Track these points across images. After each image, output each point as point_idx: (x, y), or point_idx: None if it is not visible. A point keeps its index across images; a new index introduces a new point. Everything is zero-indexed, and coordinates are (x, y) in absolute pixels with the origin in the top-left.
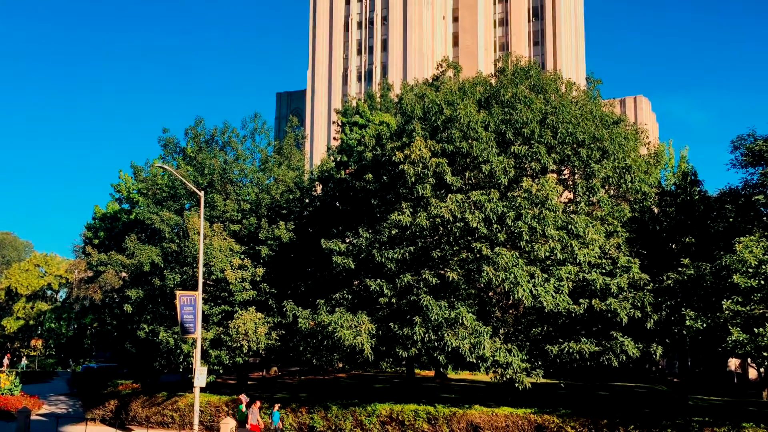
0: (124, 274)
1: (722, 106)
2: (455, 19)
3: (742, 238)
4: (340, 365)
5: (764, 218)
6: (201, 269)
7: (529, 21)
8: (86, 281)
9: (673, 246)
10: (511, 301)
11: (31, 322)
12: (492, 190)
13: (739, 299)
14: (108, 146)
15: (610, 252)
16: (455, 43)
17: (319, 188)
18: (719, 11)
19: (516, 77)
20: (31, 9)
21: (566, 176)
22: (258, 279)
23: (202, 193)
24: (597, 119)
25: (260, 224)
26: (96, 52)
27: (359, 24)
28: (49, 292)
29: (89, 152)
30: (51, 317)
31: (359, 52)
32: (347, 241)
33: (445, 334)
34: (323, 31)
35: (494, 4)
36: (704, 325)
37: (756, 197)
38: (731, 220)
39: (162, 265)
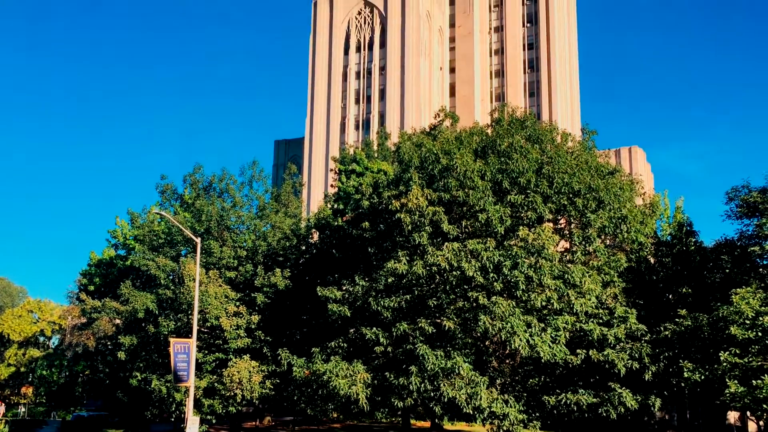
0: (118, 320)
1: (716, 157)
2: (452, 70)
3: (738, 289)
4: (335, 415)
5: (760, 269)
6: (196, 316)
7: (524, 72)
8: (79, 328)
9: (670, 296)
10: (508, 351)
11: (23, 369)
12: (488, 238)
13: (737, 351)
14: (106, 193)
15: (607, 302)
16: (452, 94)
17: (315, 235)
18: (711, 63)
19: (512, 127)
20: (33, 51)
21: (562, 226)
22: (253, 326)
23: (198, 240)
24: (592, 169)
25: (256, 271)
26: (96, 97)
27: (357, 74)
28: (41, 339)
29: (86, 198)
30: (43, 364)
31: (357, 101)
32: (343, 288)
33: (442, 384)
34: (322, 80)
35: (490, 56)
36: (702, 377)
37: (752, 248)
38: (727, 271)
39: (156, 312)
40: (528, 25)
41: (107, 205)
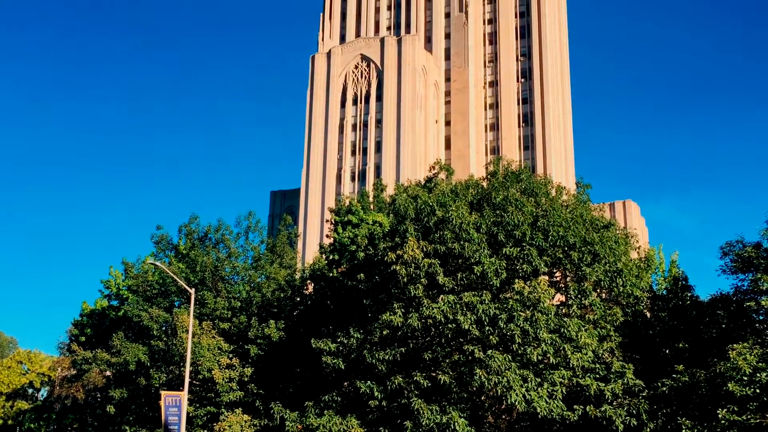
0: (108, 372)
1: (709, 212)
2: (447, 123)
3: (735, 345)
4: None
5: (757, 325)
6: (188, 368)
7: (519, 126)
8: (69, 380)
9: (667, 351)
10: (504, 406)
11: (10, 422)
12: (484, 291)
13: (735, 408)
14: (101, 243)
15: (603, 356)
16: (447, 147)
17: (310, 287)
18: (703, 120)
19: (507, 180)
20: (27, 92)
21: (558, 279)
22: (246, 379)
23: (192, 291)
24: (587, 223)
25: (250, 323)
26: (91, 145)
27: (354, 126)
28: (30, 391)
29: (80, 249)
30: (31, 417)
31: (353, 153)
32: (338, 341)
33: None
34: (319, 132)
35: (485, 109)
36: None
37: (748, 303)
38: (724, 326)
39: (148, 364)
40: (522, 80)
41: (102, 255)
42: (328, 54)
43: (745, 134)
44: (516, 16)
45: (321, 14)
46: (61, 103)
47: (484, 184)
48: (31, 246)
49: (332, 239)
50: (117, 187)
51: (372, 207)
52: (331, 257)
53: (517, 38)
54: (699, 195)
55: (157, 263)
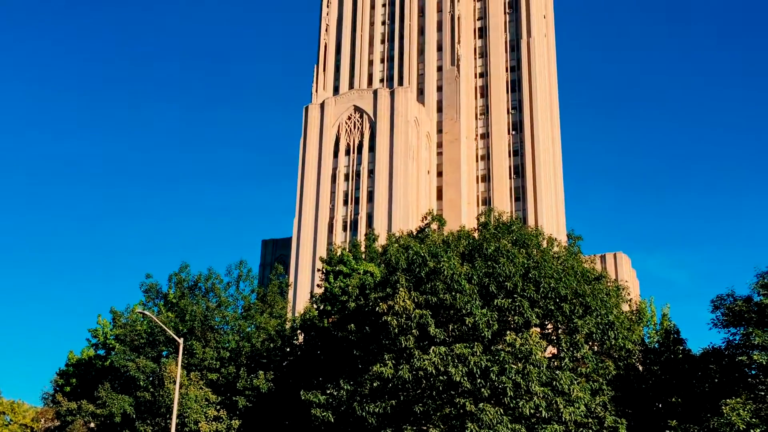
0: (93, 424)
1: (700, 265)
2: (439, 174)
3: (728, 400)
4: None
5: (749, 380)
6: (174, 421)
7: (510, 178)
8: (53, 431)
9: (660, 406)
10: None
11: None
12: (476, 343)
13: None
14: (88, 291)
15: (596, 411)
16: (439, 197)
17: (301, 337)
18: (694, 170)
19: (499, 232)
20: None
21: (550, 331)
22: None
23: (181, 341)
24: (579, 275)
25: (239, 373)
26: (82, 192)
27: (346, 176)
28: None
29: (67, 297)
30: None
31: (345, 202)
32: (327, 392)
33: None
34: (311, 182)
35: (477, 161)
36: None
37: (740, 358)
38: (716, 380)
39: (134, 416)
40: (513, 132)
41: (90, 303)
42: (322, 105)
43: (737, 188)
44: (507, 71)
45: (315, 66)
46: (53, 146)
47: (476, 235)
48: (17, 292)
49: (323, 289)
50: (107, 235)
51: (363, 257)
52: (321, 307)
53: (507, 92)
54: (690, 248)
55: (146, 312)
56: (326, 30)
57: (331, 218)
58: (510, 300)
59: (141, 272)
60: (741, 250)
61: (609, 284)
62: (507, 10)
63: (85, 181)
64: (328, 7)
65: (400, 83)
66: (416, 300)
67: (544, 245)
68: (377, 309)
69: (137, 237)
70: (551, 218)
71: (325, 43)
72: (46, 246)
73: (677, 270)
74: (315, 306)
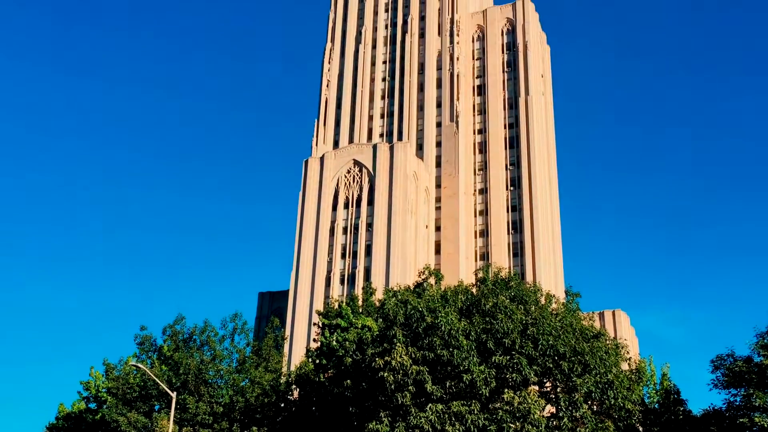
0: None
1: (699, 323)
2: (437, 229)
3: None
4: None
5: None
6: None
7: (508, 233)
8: None
9: None
10: None
11: None
12: (473, 401)
13: None
14: (81, 342)
15: None
16: (437, 251)
17: (296, 392)
18: (693, 225)
19: (497, 287)
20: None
21: (548, 389)
22: None
23: (174, 395)
24: (577, 332)
25: (232, 429)
26: (77, 240)
27: (345, 229)
28: None
29: (59, 348)
30: None
31: (343, 256)
32: None
33: None
34: (309, 234)
35: (475, 216)
36: None
37: (741, 420)
38: None
39: None
40: (511, 188)
41: (82, 355)
42: (322, 158)
43: (735, 247)
44: (505, 127)
45: (316, 121)
46: (51, 192)
47: (474, 290)
48: (6, 340)
49: (319, 343)
50: (102, 285)
51: (361, 311)
52: (317, 361)
53: (506, 148)
54: (687, 305)
55: (139, 365)
56: (327, 85)
57: (329, 271)
58: (508, 357)
59: (136, 324)
60: (739, 308)
61: (608, 342)
62: (505, 69)
63: (80, 229)
64: (329, 63)
65: (400, 138)
66: (413, 356)
67: (543, 302)
68: (374, 364)
69: (133, 288)
70: (549, 274)
71: (326, 98)
72: (38, 294)
73: (675, 327)
74: (311, 360)
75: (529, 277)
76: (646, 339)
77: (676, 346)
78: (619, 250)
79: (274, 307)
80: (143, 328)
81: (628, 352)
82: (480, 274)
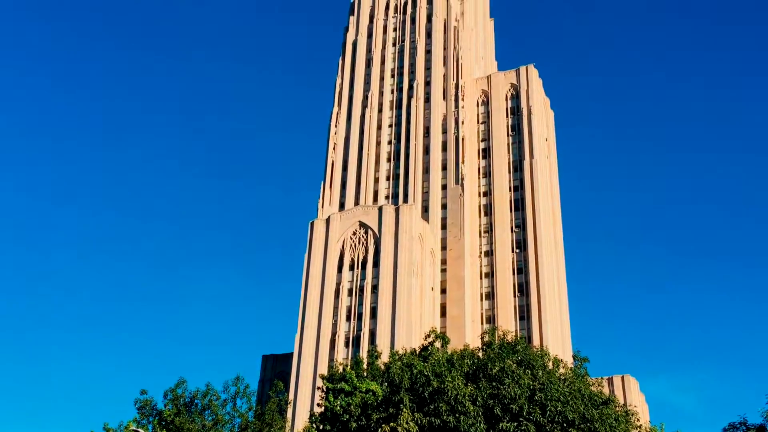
0: None
1: (709, 389)
2: (443, 291)
3: None
4: None
5: None
6: None
7: (514, 296)
8: None
9: None
10: None
11: None
12: None
13: None
14: (80, 405)
15: None
16: (443, 314)
17: None
18: (703, 290)
19: (503, 351)
20: None
21: None
22: None
23: None
24: (586, 398)
25: None
26: (75, 305)
27: (350, 291)
28: None
29: (57, 411)
30: None
31: (348, 318)
32: None
33: None
34: (314, 297)
35: (481, 278)
36: None
37: None
38: None
39: None
40: (517, 250)
41: (82, 419)
42: (327, 220)
43: (748, 312)
44: (510, 190)
45: (322, 183)
46: (51, 263)
47: (480, 354)
48: (4, 404)
49: (323, 408)
50: (104, 348)
51: (366, 374)
52: (321, 427)
53: (511, 210)
54: (701, 371)
55: (140, 430)
56: (334, 148)
57: (334, 334)
58: (515, 423)
59: (136, 387)
60: (753, 374)
61: (618, 409)
62: (510, 133)
63: (80, 293)
64: (336, 126)
65: (405, 200)
66: (419, 421)
67: (550, 366)
68: (380, 430)
69: (134, 351)
70: (556, 338)
71: (333, 161)
72: (38, 355)
73: (686, 394)
74: (314, 426)
75: (536, 341)
76: (656, 406)
77: (688, 413)
78: (627, 314)
79: (277, 370)
80: (143, 392)
81: (638, 420)
82: (486, 338)
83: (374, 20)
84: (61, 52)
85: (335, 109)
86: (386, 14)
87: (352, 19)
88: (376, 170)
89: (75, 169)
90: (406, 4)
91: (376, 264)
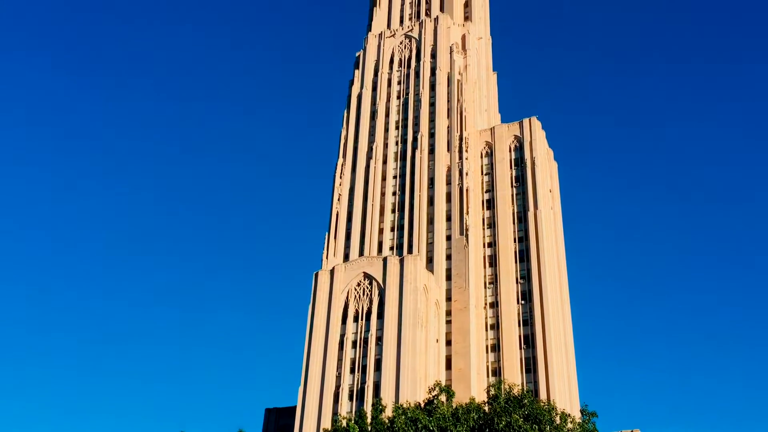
0: None
1: None
2: (448, 343)
3: None
4: None
5: None
6: None
7: (520, 348)
8: None
9: None
10: None
11: None
12: None
13: None
14: None
15: None
16: (448, 366)
17: None
18: (714, 344)
19: (509, 405)
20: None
21: None
22: None
23: None
24: None
25: None
26: (74, 352)
27: (354, 343)
28: None
29: None
30: None
31: (352, 370)
32: None
33: None
34: (318, 349)
35: (486, 330)
36: None
37: None
38: None
39: None
40: (522, 302)
41: None
42: (332, 271)
43: (759, 364)
44: (515, 241)
45: (326, 234)
46: (52, 311)
47: (486, 408)
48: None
49: None
50: (103, 400)
51: (370, 428)
52: None
53: (516, 261)
54: (711, 426)
55: None
56: (338, 199)
57: (338, 386)
58: None
59: None
60: (763, 428)
61: None
62: (514, 184)
63: (80, 337)
64: (341, 177)
65: (410, 251)
66: None
67: (558, 421)
68: None
69: (134, 401)
70: (563, 391)
71: (337, 212)
72: (41, 404)
73: None
74: None
75: (542, 394)
76: None
77: None
78: (636, 367)
79: (280, 423)
80: None
81: None
82: (492, 391)
83: (379, 74)
84: (67, 108)
85: (340, 160)
86: (390, 68)
87: (357, 73)
88: (381, 221)
89: (74, 227)
90: (410, 58)
91: (381, 315)
